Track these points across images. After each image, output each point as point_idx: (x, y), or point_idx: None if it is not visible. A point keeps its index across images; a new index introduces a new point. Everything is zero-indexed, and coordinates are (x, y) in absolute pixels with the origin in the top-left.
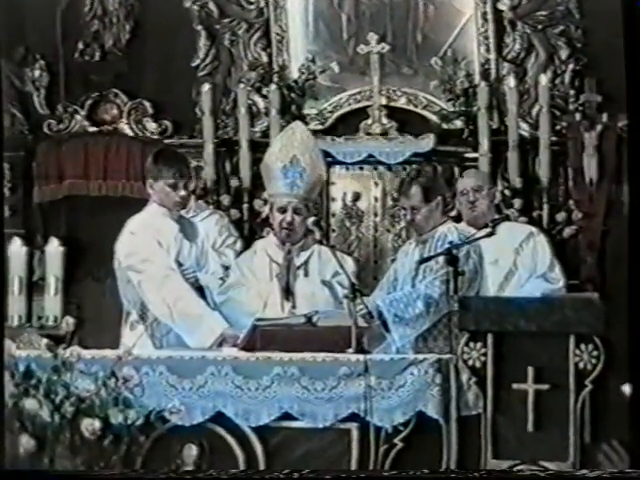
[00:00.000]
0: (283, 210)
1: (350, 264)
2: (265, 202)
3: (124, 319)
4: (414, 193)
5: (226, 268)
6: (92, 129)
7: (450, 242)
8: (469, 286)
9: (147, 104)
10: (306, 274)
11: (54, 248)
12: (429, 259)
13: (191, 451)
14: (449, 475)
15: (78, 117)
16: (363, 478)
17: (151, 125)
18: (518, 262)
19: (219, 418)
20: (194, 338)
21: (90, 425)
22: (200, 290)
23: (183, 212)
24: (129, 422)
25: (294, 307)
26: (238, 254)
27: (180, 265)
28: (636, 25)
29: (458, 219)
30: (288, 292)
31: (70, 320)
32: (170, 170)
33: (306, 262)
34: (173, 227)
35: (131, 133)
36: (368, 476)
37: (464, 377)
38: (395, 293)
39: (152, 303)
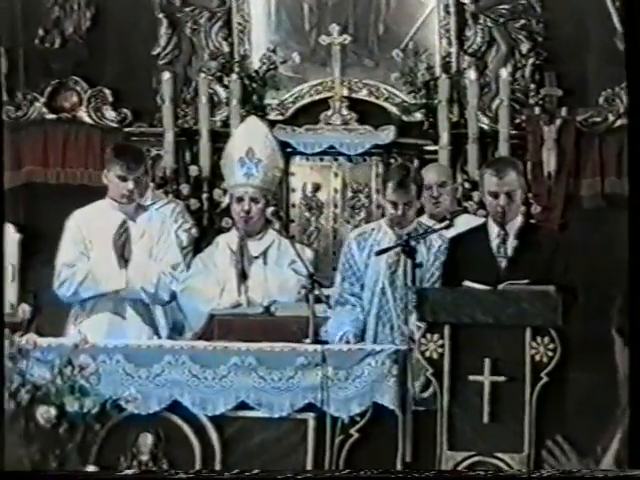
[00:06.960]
0: (240, 199)
1: (309, 255)
2: (224, 192)
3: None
4: (412, 189)
5: (182, 249)
6: (51, 116)
7: (407, 234)
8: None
9: (107, 92)
10: (265, 263)
11: (10, 235)
12: (387, 250)
13: (147, 440)
14: (397, 475)
15: (37, 104)
16: (314, 477)
17: (110, 113)
18: None
19: (175, 407)
20: None
21: (45, 413)
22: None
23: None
24: (85, 410)
25: (247, 291)
26: (195, 240)
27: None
28: (636, 25)
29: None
30: (244, 276)
31: (26, 307)
32: (119, 162)
33: (265, 252)
34: (119, 217)
35: (90, 121)
36: (319, 476)
37: None
38: None
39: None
